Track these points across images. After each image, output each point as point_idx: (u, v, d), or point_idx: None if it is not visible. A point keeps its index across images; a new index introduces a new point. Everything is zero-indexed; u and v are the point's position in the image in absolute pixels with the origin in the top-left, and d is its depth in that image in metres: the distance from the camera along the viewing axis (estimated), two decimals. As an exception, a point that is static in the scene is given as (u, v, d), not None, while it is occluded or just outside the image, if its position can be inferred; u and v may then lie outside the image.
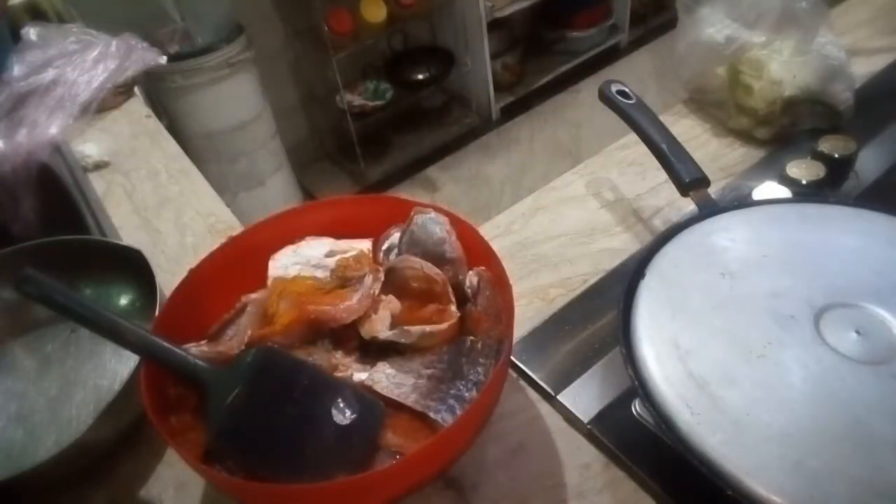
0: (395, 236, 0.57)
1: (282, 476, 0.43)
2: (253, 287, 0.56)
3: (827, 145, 0.73)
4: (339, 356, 0.51)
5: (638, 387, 0.47)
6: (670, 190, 0.66)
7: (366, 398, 0.47)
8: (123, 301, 0.67)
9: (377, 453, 0.46)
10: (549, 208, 0.76)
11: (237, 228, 0.78)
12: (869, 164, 0.74)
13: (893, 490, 0.39)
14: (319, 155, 2.54)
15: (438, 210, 0.56)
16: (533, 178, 2.27)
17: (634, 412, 0.52)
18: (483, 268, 0.54)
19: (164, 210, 0.85)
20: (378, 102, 2.31)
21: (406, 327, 0.49)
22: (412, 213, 0.56)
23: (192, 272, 0.55)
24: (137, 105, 1.06)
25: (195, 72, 1.81)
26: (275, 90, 2.13)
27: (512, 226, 0.74)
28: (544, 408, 0.56)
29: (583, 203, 0.76)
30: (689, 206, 0.65)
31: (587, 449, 0.52)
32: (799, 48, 0.77)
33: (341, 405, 0.46)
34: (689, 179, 0.63)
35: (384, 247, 0.58)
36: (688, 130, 0.83)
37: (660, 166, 0.66)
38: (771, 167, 0.75)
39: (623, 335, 0.51)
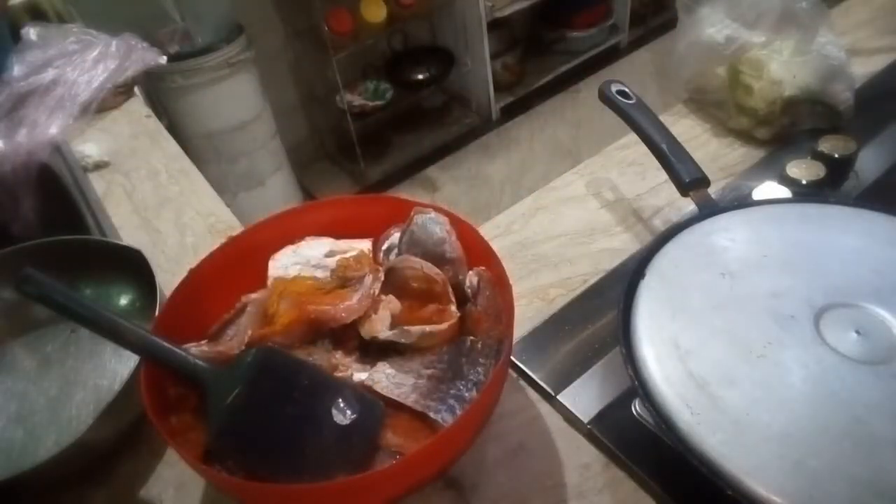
0: (395, 236, 0.57)
1: (282, 476, 0.43)
2: (253, 287, 0.56)
3: (827, 145, 0.73)
4: (339, 356, 0.51)
5: (638, 387, 0.47)
6: (670, 190, 0.66)
7: (366, 398, 0.47)
8: (123, 301, 0.67)
9: (377, 453, 0.46)
10: (549, 208, 0.76)
11: (237, 228, 0.78)
12: (869, 164, 0.74)
13: (893, 490, 0.39)
14: (319, 155, 2.54)
15: (438, 210, 0.56)
16: (533, 178, 2.27)
17: (634, 412, 0.52)
18: (483, 268, 0.54)
19: (164, 210, 0.85)
20: (378, 102, 2.31)
21: (406, 327, 0.49)
22: (412, 213, 0.56)
23: (192, 272, 0.55)
24: (137, 105, 1.06)
25: (195, 72, 1.81)
26: (275, 90, 2.13)
27: (512, 226, 0.74)
28: (544, 408, 0.56)
29: (583, 203, 0.76)
30: (689, 206, 0.65)
31: (587, 449, 0.52)
32: (799, 48, 0.77)
33: (341, 405, 0.46)
34: (689, 179, 0.63)
35: (384, 247, 0.58)
36: (688, 130, 0.83)
37: (660, 166, 0.66)
38: (771, 167, 0.75)
39: (623, 335, 0.51)
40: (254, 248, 0.58)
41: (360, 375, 0.50)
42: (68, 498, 0.54)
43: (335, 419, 0.45)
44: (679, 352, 0.48)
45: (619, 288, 0.54)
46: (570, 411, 0.54)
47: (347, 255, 0.57)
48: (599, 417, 0.53)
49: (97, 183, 0.89)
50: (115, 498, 0.54)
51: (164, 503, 0.53)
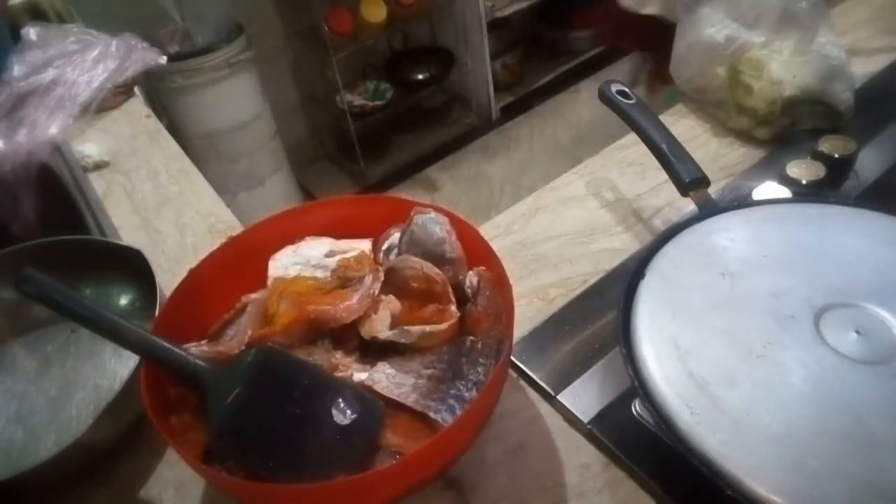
0: (395, 236, 0.57)
1: (282, 476, 0.43)
2: (253, 287, 0.56)
3: (827, 145, 0.73)
4: (339, 356, 0.51)
5: (638, 387, 0.47)
6: (670, 190, 0.66)
7: (366, 398, 0.47)
8: (123, 301, 0.67)
9: (377, 453, 0.46)
10: (549, 208, 0.76)
11: (237, 228, 0.78)
12: (869, 164, 0.74)
13: (893, 490, 0.39)
14: (319, 155, 2.54)
15: (438, 210, 0.56)
16: (533, 178, 2.27)
17: (634, 412, 0.52)
18: (483, 268, 0.54)
19: (164, 210, 0.85)
20: (378, 102, 2.31)
21: (406, 327, 0.49)
22: (412, 213, 0.56)
23: (192, 272, 0.55)
24: (137, 105, 1.06)
25: (195, 72, 1.81)
26: (275, 90, 2.13)
27: (512, 226, 0.74)
28: (544, 408, 0.56)
29: (583, 203, 0.76)
30: (689, 206, 0.65)
31: (587, 449, 0.52)
32: (799, 48, 0.77)
33: (341, 405, 0.46)
34: (689, 179, 0.63)
35: (384, 247, 0.58)
36: (688, 130, 0.83)
37: (660, 166, 0.66)
38: (771, 167, 0.75)
39: (623, 335, 0.51)
40: (254, 248, 0.58)
41: (360, 375, 0.50)
42: (68, 498, 0.54)
43: (335, 419, 0.45)
44: (679, 352, 0.48)
45: (619, 288, 0.54)
46: (570, 411, 0.54)
47: (347, 255, 0.57)
48: (599, 417, 0.53)
49: (97, 183, 0.89)
50: (115, 498, 0.54)
51: (164, 503, 0.53)
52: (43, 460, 0.48)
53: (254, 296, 0.55)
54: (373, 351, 0.51)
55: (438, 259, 0.54)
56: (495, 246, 0.53)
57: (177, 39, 1.84)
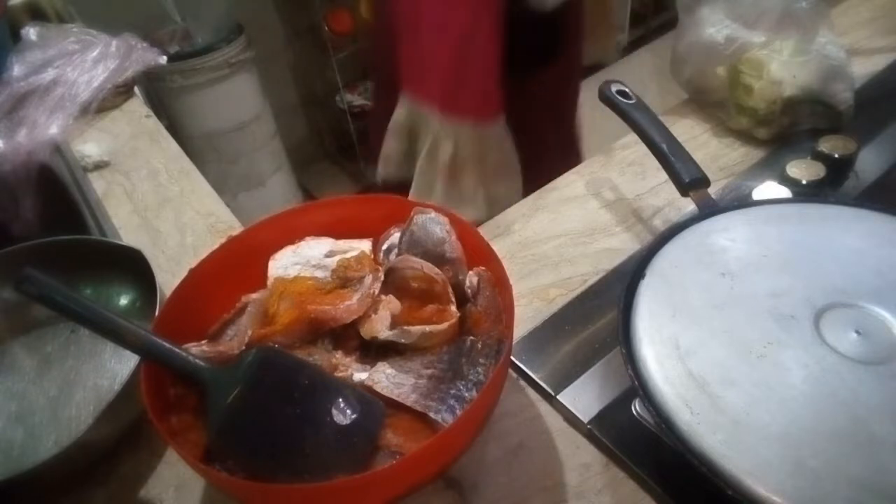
0: (395, 236, 0.57)
1: (282, 476, 0.43)
2: (253, 287, 0.56)
3: (827, 145, 0.73)
4: (339, 356, 0.51)
5: (638, 387, 0.47)
6: (670, 190, 0.66)
7: (366, 398, 0.47)
8: (123, 301, 0.67)
9: (377, 453, 0.46)
10: (549, 208, 0.76)
11: (237, 228, 0.78)
12: (869, 164, 0.74)
13: (893, 490, 0.39)
14: (319, 155, 2.54)
15: (438, 210, 0.56)
16: (533, 178, 2.27)
17: (634, 412, 0.52)
18: (483, 268, 0.54)
19: (164, 210, 0.85)
20: (378, 102, 2.31)
21: (406, 327, 0.49)
22: (412, 213, 0.56)
23: (192, 272, 0.55)
24: (137, 105, 1.06)
25: (195, 72, 1.81)
26: (275, 90, 2.13)
27: (512, 226, 0.74)
28: (544, 408, 0.56)
29: (583, 203, 0.76)
30: (689, 206, 0.65)
31: (587, 449, 0.52)
32: (799, 48, 0.77)
33: (341, 405, 0.46)
34: (689, 179, 0.63)
35: (384, 247, 0.58)
36: (688, 130, 0.83)
37: (660, 166, 0.66)
38: (771, 167, 0.75)
39: (623, 335, 0.51)
40: (254, 248, 0.58)
41: (360, 375, 0.50)
42: (68, 498, 0.54)
43: (335, 419, 0.45)
44: (679, 352, 0.48)
45: (619, 288, 0.54)
46: (570, 411, 0.54)
47: (347, 255, 0.57)
48: (599, 417, 0.53)
49: (97, 183, 0.89)
50: (115, 498, 0.54)
51: (164, 503, 0.53)
52: (43, 460, 0.48)
53: (254, 296, 0.55)
54: (373, 351, 0.51)
55: (438, 259, 0.54)
56: (495, 246, 0.53)
57: (177, 39, 1.84)
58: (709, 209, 0.61)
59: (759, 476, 0.41)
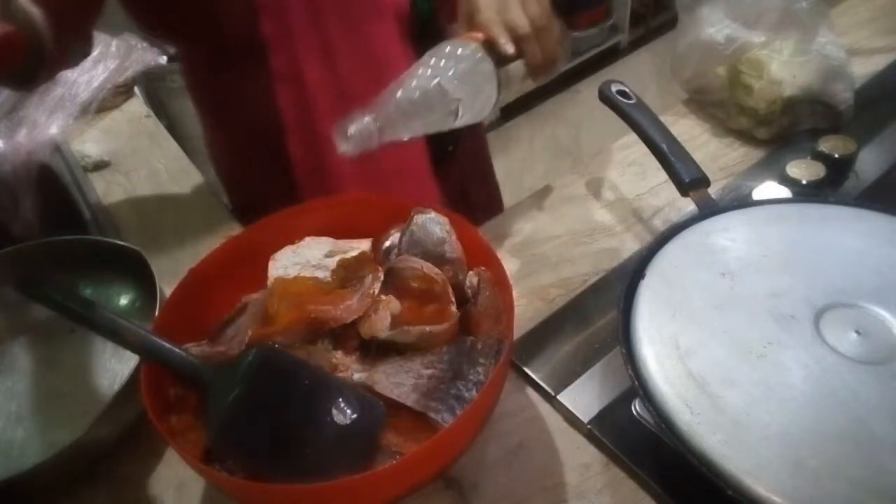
0: (395, 236, 0.57)
1: (282, 476, 0.43)
2: (253, 287, 0.56)
3: (827, 145, 0.73)
4: (339, 356, 0.51)
5: (638, 387, 0.47)
6: (670, 190, 0.66)
7: (366, 398, 0.47)
8: (123, 301, 0.67)
9: (377, 453, 0.46)
10: (549, 208, 0.76)
11: (237, 228, 0.78)
12: (869, 164, 0.74)
13: (893, 490, 0.39)
14: (319, 155, 2.53)
15: (438, 210, 0.56)
16: (533, 178, 2.27)
17: (634, 412, 0.53)
18: (483, 268, 0.54)
19: (164, 210, 0.85)
20: (378, 102, 2.31)
21: (406, 327, 0.49)
22: (412, 213, 0.56)
23: (192, 272, 0.55)
24: (137, 105, 1.06)
25: (195, 72, 1.80)
26: (275, 90, 2.12)
27: (512, 226, 0.74)
28: (544, 408, 0.56)
29: (583, 203, 0.76)
30: (689, 206, 0.65)
31: (587, 449, 0.52)
32: (799, 48, 0.77)
33: (341, 405, 0.46)
34: (689, 179, 0.63)
35: (384, 247, 0.58)
36: (688, 130, 0.83)
37: (660, 166, 0.66)
38: (771, 167, 0.75)
39: (623, 335, 0.51)
40: (254, 248, 0.58)
41: (360, 375, 0.49)
42: (68, 498, 0.54)
43: (335, 419, 0.45)
44: (679, 352, 0.48)
45: (619, 288, 0.54)
46: (570, 411, 0.54)
47: (347, 255, 0.57)
48: (599, 417, 0.53)
49: (97, 183, 0.90)
50: (115, 498, 0.54)
51: (164, 503, 0.53)
52: (43, 460, 0.49)
53: (254, 296, 0.55)
54: (373, 351, 0.51)
55: (438, 259, 0.54)
56: (495, 246, 0.53)
57: (177, 39, 1.84)
58: (709, 209, 0.61)
59: (759, 476, 0.41)
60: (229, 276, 0.56)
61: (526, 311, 0.63)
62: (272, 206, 0.59)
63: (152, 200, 0.87)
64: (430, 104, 0.49)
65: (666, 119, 0.71)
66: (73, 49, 0.63)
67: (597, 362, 0.58)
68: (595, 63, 2.75)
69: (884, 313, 0.48)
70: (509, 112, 2.61)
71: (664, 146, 0.65)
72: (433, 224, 0.55)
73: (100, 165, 0.92)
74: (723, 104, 0.81)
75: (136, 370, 0.52)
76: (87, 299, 0.48)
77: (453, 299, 0.52)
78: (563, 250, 0.70)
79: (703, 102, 0.85)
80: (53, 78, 0.64)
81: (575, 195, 0.77)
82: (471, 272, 0.54)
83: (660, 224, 0.72)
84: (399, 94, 0.48)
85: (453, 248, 0.54)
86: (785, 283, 0.51)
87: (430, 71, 0.50)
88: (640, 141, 0.68)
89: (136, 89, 1.09)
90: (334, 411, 0.46)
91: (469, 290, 0.53)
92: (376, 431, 0.46)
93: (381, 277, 0.53)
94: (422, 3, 0.72)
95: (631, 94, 0.69)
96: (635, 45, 2.89)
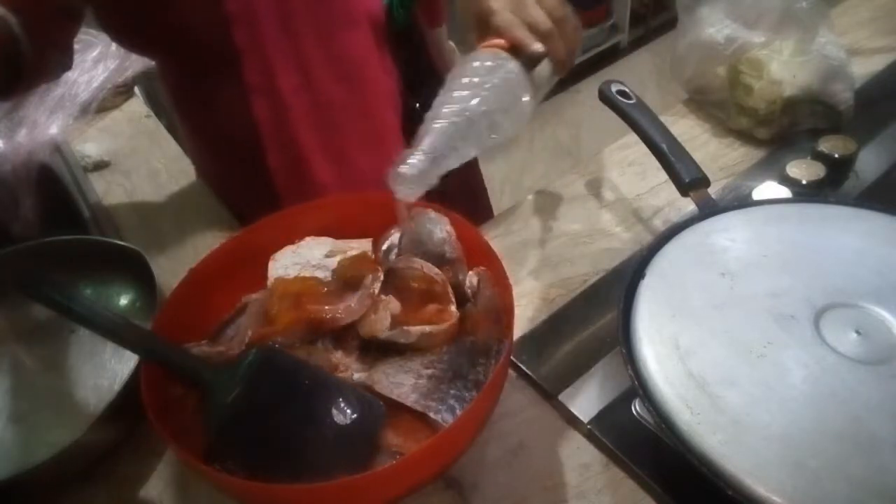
0: (395, 236, 0.57)
1: (282, 476, 0.43)
2: (253, 287, 0.56)
3: (827, 145, 0.73)
4: (339, 356, 0.51)
5: (638, 387, 0.47)
6: (670, 190, 0.66)
7: (366, 398, 0.47)
8: (123, 301, 0.67)
9: (377, 453, 0.46)
10: (549, 208, 0.76)
11: (237, 228, 0.78)
12: (869, 164, 0.74)
13: (893, 490, 0.39)
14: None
15: (438, 210, 0.56)
16: (533, 178, 2.27)
17: (634, 412, 0.53)
18: (483, 268, 0.54)
19: (164, 210, 0.85)
20: (378, 102, 2.31)
21: (406, 327, 0.49)
22: (412, 213, 0.56)
23: (192, 272, 0.55)
24: (137, 105, 1.06)
25: (195, 72, 1.80)
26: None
27: (512, 226, 0.74)
28: (544, 408, 0.56)
29: (583, 203, 0.76)
30: (689, 206, 0.65)
31: (587, 449, 0.52)
32: (799, 48, 0.77)
33: (341, 405, 0.46)
34: (689, 179, 0.63)
35: (384, 247, 0.58)
36: (688, 130, 0.83)
37: (660, 166, 0.66)
38: (771, 167, 0.75)
39: (623, 335, 0.51)
40: (254, 248, 0.58)
41: (360, 375, 0.50)
42: (68, 498, 0.54)
43: (335, 419, 0.45)
44: (679, 352, 0.48)
45: (619, 288, 0.54)
46: (570, 411, 0.54)
47: (347, 255, 0.57)
48: (599, 417, 0.53)
49: (97, 183, 0.90)
50: (115, 498, 0.54)
51: (164, 503, 0.53)
52: (43, 460, 0.49)
53: (254, 296, 0.55)
54: (373, 351, 0.51)
55: (438, 259, 0.54)
56: (495, 246, 0.53)
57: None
58: (709, 209, 0.61)
59: (759, 476, 0.41)
60: (229, 276, 0.56)
61: (526, 311, 0.63)
62: (255, 214, 0.59)
63: (152, 200, 0.87)
64: (474, 125, 0.47)
65: (666, 119, 0.71)
66: (53, 61, 0.63)
67: (597, 362, 0.58)
68: (595, 63, 2.75)
69: (884, 313, 0.48)
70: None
71: (664, 146, 0.65)
72: (433, 224, 0.55)
73: (100, 165, 0.92)
74: (723, 104, 0.81)
75: (136, 370, 0.52)
76: (87, 299, 0.48)
77: (453, 299, 0.52)
78: (563, 250, 0.70)
79: (703, 102, 0.85)
80: (32, 90, 0.64)
81: (575, 195, 0.77)
82: (471, 272, 0.54)
83: (660, 224, 0.72)
84: (443, 123, 0.46)
85: (453, 248, 0.54)
86: (785, 283, 0.51)
87: (465, 92, 0.48)
88: (640, 141, 0.68)
89: (136, 89, 1.09)
90: (334, 411, 0.46)
91: (469, 290, 0.53)
92: (376, 431, 0.46)
93: (381, 277, 0.53)
94: (397, 10, 0.72)
95: (631, 94, 0.69)
96: (635, 45, 2.89)
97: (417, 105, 0.77)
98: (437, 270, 0.53)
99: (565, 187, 0.79)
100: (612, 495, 0.49)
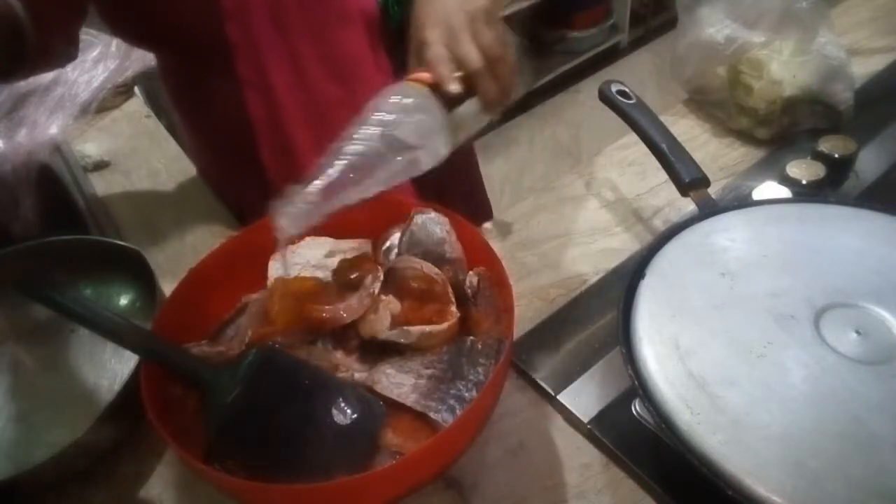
0: (395, 236, 0.57)
1: (282, 476, 0.43)
2: (253, 287, 0.56)
3: (827, 145, 0.73)
4: (339, 356, 0.51)
5: (638, 387, 0.47)
6: (670, 190, 0.66)
7: (366, 398, 0.47)
8: (123, 301, 0.67)
9: (377, 453, 0.46)
10: (549, 208, 0.76)
11: (237, 228, 0.78)
12: (869, 164, 0.74)
13: (893, 490, 0.39)
14: (319, 155, 2.53)
15: (438, 210, 0.56)
16: (533, 178, 2.27)
17: (634, 412, 0.53)
18: (483, 268, 0.54)
19: (164, 210, 0.85)
20: (378, 102, 2.31)
21: (406, 327, 0.49)
22: (412, 213, 0.56)
23: (192, 272, 0.55)
24: (137, 105, 1.06)
25: (195, 72, 1.80)
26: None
27: (512, 226, 0.74)
28: (544, 408, 0.56)
29: (583, 203, 0.76)
30: (689, 206, 0.65)
31: (587, 449, 0.52)
32: (799, 48, 0.77)
33: (341, 405, 0.46)
34: (689, 179, 0.63)
35: (384, 247, 0.58)
36: (688, 130, 0.84)
37: (660, 166, 0.66)
38: (771, 167, 0.75)
39: (623, 335, 0.51)
40: (254, 248, 0.57)
41: (360, 375, 0.50)
42: (68, 498, 0.54)
43: (335, 419, 0.45)
44: (679, 352, 0.48)
45: (619, 288, 0.54)
46: (570, 411, 0.54)
47: (347, 255, 0.57)
48: (599, 417, 0.53)
49: (97, 183, 0.89)
50: (115, 498, 0.54)
51: (164, 503, 0.53)
52: (43, 460, 0.49)
53: (254, 296, 0.55)
54: (373, 351, 0.51)
55: (438, 259, 0.54)
56: (495, 246, 0.53)
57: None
58: (709, 209, 0.61)
59: (759, 476, 0.41)
60: (229, 276, 0.56)
61: (526, 311, 0.63)
62: (255, 213, 0.59)
63: (152, 200, 0.87)
64: (382, 161, 0.46)
65: (666, 119, 0.71)
66: (57, 50, 0.63)
67: (597, 362, 0.58)
68: (595, 63, 2.75)
69: (884, 313, 0.48)
70: (509, 112, 2.61)
71: (664, 146, 0.65)
72: (433, 224, 0.55)
73: (100, 165, 0.92)
74: (723, 104, 0.81)
75: (136, 370, 0.52)
76: (87, 299, 0.48)
77: (453, 299, 0.52)
78: (563, 250, 0.70)
79: (703, 102, 0.85)
80: (34, 74, 0.65)
81: (575, 195, 0.77)
82: (471, 272, 0.54)
83: (660, 224, 0.72)
84: (341, 158, 0.45)
85: (453, 248, 0.54)
86: (785, 283, 0.51)
87: (375, 130, 0.46)
88: (640, 141, 0.68)
89: (136, 89, 1.09)
90: (334, 411, 0.46)
91: (469, 290, 0.53)
92: (376, 431, 0.46)
93: (381, 277, 0.53)
94: (393, 8, 0.72)
95: (631, 94, 0.69)
96: (635, 45, 2.89)
97: None
98: (437, 270, 0.53)
99: (565, 187, 0.79)
100: (612, 495, 0.49)
